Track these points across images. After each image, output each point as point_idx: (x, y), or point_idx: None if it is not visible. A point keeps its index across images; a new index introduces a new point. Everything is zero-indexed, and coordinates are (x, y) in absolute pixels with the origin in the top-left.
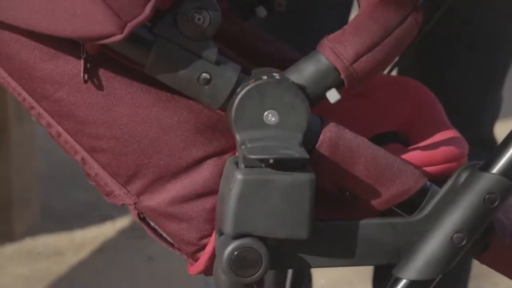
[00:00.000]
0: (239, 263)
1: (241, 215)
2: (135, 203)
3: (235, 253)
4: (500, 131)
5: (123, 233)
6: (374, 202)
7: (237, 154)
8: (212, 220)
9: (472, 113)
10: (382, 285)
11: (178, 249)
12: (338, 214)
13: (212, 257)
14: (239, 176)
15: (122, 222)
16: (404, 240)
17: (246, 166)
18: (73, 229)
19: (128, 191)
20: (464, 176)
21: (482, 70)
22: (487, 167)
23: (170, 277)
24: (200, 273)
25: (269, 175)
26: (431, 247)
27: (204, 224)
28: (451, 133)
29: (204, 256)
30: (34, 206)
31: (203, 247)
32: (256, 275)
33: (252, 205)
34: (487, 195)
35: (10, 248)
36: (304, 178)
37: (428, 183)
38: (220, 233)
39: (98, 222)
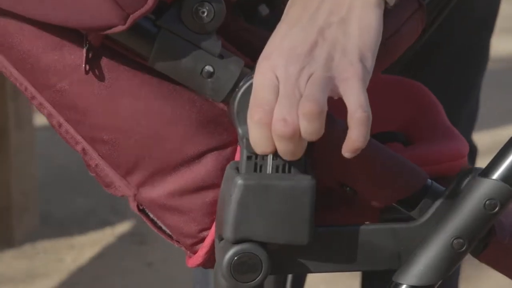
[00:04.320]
0: (239, 268)
1: (241, 220)
2: (134, 195)
3: (235, 258)
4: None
5: (122, 239)
6: (374, 199)
7: (238, 147)
8: (211, 213)
9: None
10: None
11: (177, 241)
12: (338, 214)
13: (211, 250)
14: (239, 181)
15: (122, 228)
16: (405, 245)
17: (246, 171)
18: (72, 234)
19: (128, 183)
20: (464, 181)
21: (449, 81)
22: (487, 172)
23: (170, 283)
24: (198, 265)
25: (270, 180)
26: (432, 252)
27: (204, 217)
28: (451, 133)
29: (202, 248)
30: (34, 212)
31: (202, 240)
32: (256, 280)
33: (252, 210)
34: (487, 201)
35: (10, 254)
36: (304, 183)
37: (429, 181)
38: (220, 238)
39: (98, 228)
